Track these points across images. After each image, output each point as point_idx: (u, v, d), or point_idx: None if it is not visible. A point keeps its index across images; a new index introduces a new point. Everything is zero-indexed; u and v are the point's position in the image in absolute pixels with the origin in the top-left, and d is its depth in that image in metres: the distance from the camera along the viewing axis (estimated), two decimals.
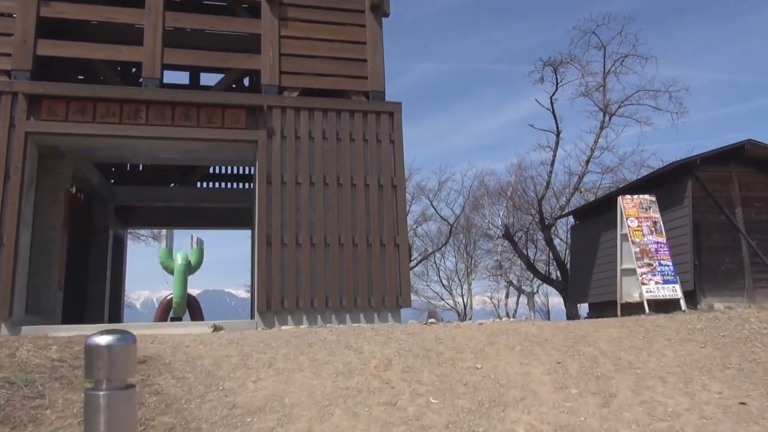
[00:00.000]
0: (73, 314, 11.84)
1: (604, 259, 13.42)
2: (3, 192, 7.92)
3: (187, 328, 8.04)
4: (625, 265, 10.56)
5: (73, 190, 12.13)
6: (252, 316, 9.57)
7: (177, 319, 23.69)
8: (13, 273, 7.78)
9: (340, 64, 9.37)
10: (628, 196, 10.91)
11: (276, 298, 8.36)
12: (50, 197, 9.60)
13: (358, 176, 9.00)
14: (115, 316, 13.50)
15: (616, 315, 10.27)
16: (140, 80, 8.70)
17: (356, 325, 8.46)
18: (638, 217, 10.63)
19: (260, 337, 6.38)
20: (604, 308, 12.57)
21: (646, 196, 10.88)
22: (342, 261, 8.70)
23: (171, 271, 23.86)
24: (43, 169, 9.79)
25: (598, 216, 14.21)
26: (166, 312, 24.98)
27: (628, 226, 10.56)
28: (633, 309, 10.06)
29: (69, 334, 7.21)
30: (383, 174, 9.11)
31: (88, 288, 12.36)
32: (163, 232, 23.34)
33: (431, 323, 7.50)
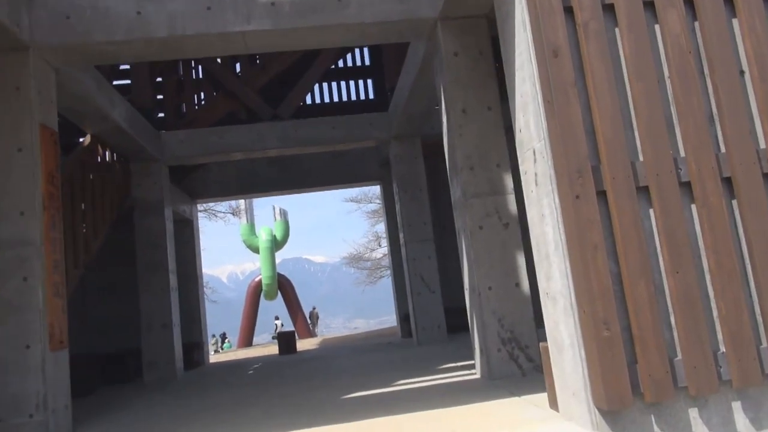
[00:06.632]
0: (108, 377, 6.62)
1: None
2: None
3: None
4: None
5: (87, 139, 6.70)
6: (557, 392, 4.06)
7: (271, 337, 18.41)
8: None
9: None
10: None
11: (654, 360, 2.61)
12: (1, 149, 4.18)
13: None
14: (192, 350, 8.24)
15: None
16: None
17: None
18: None
19: None
20: None
21: None
22: None
23: (255, 250, 18.63)
24: None
25: None
26: (256, 297, 19.76)
27: None
28: None
29: None
30: None
31: (138, 320, 7.10)
32: (242, 205, 18.16)
33: None
